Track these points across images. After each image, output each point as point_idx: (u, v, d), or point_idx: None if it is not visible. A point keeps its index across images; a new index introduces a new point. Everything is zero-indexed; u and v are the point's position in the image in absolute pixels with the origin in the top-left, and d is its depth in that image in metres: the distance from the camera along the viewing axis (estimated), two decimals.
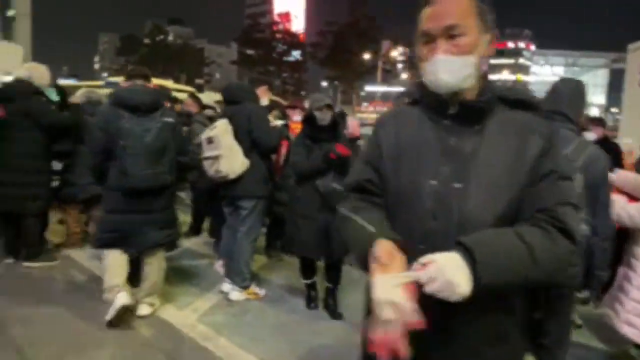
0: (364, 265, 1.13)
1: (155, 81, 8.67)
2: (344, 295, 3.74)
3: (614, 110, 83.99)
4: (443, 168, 1.18)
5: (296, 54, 52.02)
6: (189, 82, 31.67)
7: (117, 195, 3.19)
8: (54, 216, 5.07)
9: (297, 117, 5.03)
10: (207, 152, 3.64)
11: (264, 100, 3.99)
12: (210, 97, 8.18)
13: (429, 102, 1.26)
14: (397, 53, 48.46)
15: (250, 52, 51.08)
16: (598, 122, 5.55)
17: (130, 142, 3.05)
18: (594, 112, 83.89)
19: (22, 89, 4.17)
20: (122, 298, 3.22)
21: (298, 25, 65.30)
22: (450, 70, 1.16)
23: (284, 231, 5.21)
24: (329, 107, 3.53)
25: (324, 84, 57.73)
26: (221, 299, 3.83)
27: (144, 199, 3.19)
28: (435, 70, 1.17)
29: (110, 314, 3.16)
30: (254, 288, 3.91)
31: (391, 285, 1.01)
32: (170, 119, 3.27)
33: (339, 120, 3.67)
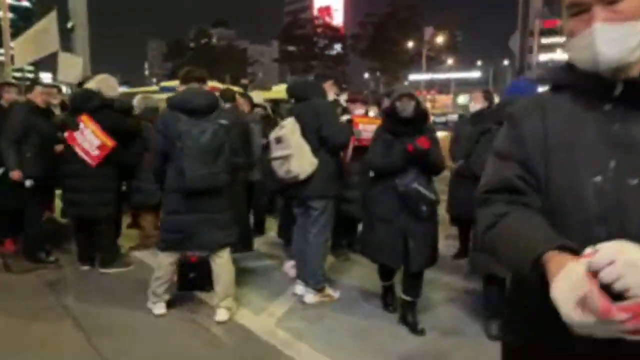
0: (530, 277, 0.91)
1: (210, 83, 8.78)
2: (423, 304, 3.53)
3: None
4: (610, 162, 0.97)
5: (337, 47, 51.71)
6: (233, 83, 32.22)
7: (176, 196, 3.25)
8: (124, 221, 5.20)
9: (358, 110, 4.84)
10: (277, 152, 3.54)
11: (331, 95, 3.84)
12: (257, 97, 8.20)
13: (583, 85, 1.04)
14: (441, 39, 47.08)
15: (291, 48, 51.35)
16: None
17: (187, 143, 3.10)
18: None
19: (91, 100, 4.24)
20: (159, 309, 3.45)
21: (338, 18, 64.90)
22: (612, 40, 0.95)
23: (350, 229, 5.12)
24: (411, 96, 3.20)
25: (366, 75, 57.13)
26: (295, 302, 3.73)
27: (202, 200, 3.21)
28: (592, 43, 0.96)
29: None
30: (328, 290, 3.78)
31: (575, 279, 0.78)
32: (224, 121, 3.25)
33: (425, 112, 3.34)
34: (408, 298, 3.32)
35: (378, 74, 50.32)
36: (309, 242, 3.68)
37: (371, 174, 3.38)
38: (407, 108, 3.18)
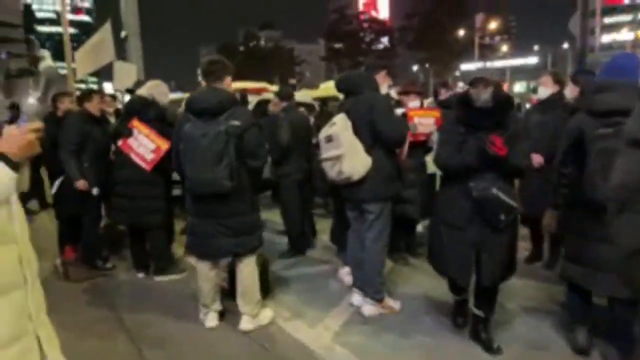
0: None
1: (234, 85, 8.71)
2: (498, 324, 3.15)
3: None
4: None
5: (385, 41, 50.79)
6: (282, 83, 32.42)
7: (189, 199, 3.19)
8: (178, 226, 5.15)
9: (413, 103, 4.49)
10: (327, 152, 3.28)
11: (384, 88, 3.52)
12: (305, 95, 8.02)
13: None
14: (494, 25, 45.02)
15: (338, 45, 51.06)
16: None
17: (188, 145, 3.00)
18: None
19: (146, 108, 4.20)
20: (210, 321, 3.30)
21: (384, 11, 63.80)
22: None
23: (408, 231, 4.78)
24: (487, 82, 2.77)
25: (415, 68, 55.70)
26: (353, 313, 3.46)
27: (211, 204, 3.07)
28: None
29: None
30: (389, 301, 3.48)
31: None
32: (237, 122, 2.97)
33: (507, 100, 2.81)
34: (480, 313, 2.94)
35: (427, 65, 48.88)
36: (365, 248, 3.39)
37: (436, 171, 3.03)
38: (482, 96, 2.72)
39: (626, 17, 73.92)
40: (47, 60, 27.58)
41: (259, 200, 3.43)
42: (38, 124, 1.37)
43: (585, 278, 2.67)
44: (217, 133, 2.90)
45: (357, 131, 3.24)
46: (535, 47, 66.16)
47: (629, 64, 2.60)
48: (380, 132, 3.20)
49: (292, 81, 44.61)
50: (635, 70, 2.58)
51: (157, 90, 4.33)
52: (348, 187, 3.32)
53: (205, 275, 3.28)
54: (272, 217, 5.77)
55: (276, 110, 4.93)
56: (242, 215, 3.13)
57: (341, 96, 3.64)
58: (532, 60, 65.55)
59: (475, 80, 2.83)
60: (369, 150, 3.23)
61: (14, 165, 1.29)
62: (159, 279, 4.29)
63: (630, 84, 2.48)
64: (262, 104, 6.75)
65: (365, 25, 50.70)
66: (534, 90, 30.19)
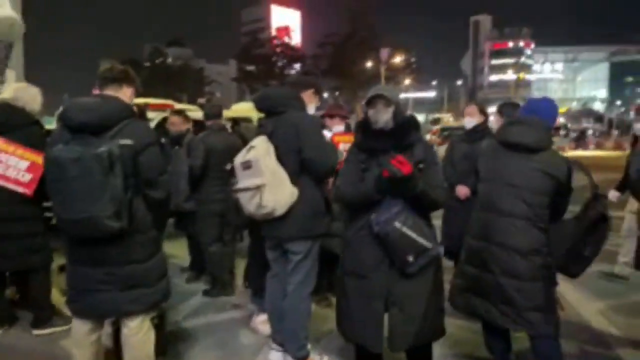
0: None
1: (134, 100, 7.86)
2: None
3: (618, 102, 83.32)
4: None
5: (297, 67, 51.52)
6: (190, 102, 31.01)
7: (65, 238, 2.34)
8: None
9: (337, 127, 4.11)
10: (245, 182, 2.72)
11: (311, 109, 3.06)
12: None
13: None
14: (399, 59, 48.04)
15: (250, 68, 50.76)
16: None
17: (51, 175, 2.19)
18: (597, 106, 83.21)
19: (10, 115, 3.31)
20: None
21: (296, 38, 65.08)
22: None
23: (330, 267, 4.31)
24: (387, 100, 2.36)
25: (326, 95, 57.22)
26: None
27: (95, 248, 2.27)
28: None
29: None
30: (313, 356, 2.95)
31: None
32: (128, 141, 2.23)
33: (411, 120, 2.44)
34: None
35: (337, 93, 50.39)
36: (288, 296, 2.86)
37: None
38: (381, 117, 2.35)
39: (510, 60, 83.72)
40: None
41: (162, 239, 2.73)
42: None
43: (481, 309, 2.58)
44: (94, 157, 2.08)
45: (280, 157, 2.74)
46: (434, 82, 71.83)
47: (540, 106, 2.73)
48: (308, 160, 2.73)
49: (201, 100, 43.03)
50: (545, 111, 2.68)
51: (26, 93, 3.45)
52: (269, 223, 2.78)
53: (81, 340, 2.44)
54: (173, 250, 4.99)
55: (177, 131, 4.32)
56: (137, 262, 2.34)
57: (256, 117, 3.13)
58: (431, 94, 70.95)
59: (372, 98, 2.39)
60: (294, 179, 2.74)
61: None
62: (38, 332, 3.38)
63: (537, 122, 2.61)
64: (166, 122, 5.98)
65: (278, 50, 51.04)
66: (435, 122, 32.34)
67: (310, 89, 3.05)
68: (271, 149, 2.73)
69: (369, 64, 47.05)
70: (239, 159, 2.78)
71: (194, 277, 4.65)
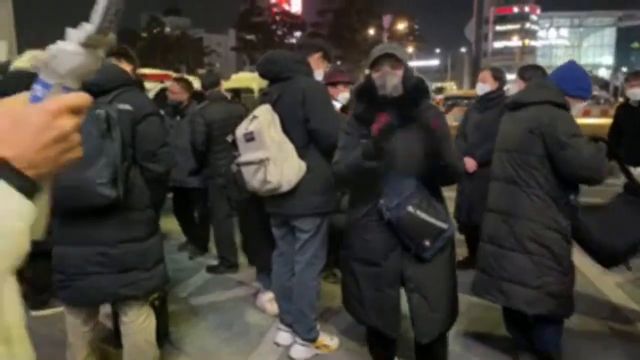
0: None
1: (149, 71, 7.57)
2: None
3: (624, 69, 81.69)
4: None
5: (297, 36, 50.39)
6: (189, 73, 30.47)
7: (57, 217, 2.11)
8: None
9: (343, 94, 3.81)
10: (247, 155, 2.51)
11: (319, 73, 2.80)
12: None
13: None
14: (402, 26, 46.91)
15: (249, 37, 49.70)
16: None
17: None
18: (602, 73, 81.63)
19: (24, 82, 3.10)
20: None
21: (296, 6, 63.47)
22: None
23: (337, 242, 4.12)
24: (395, 60, 2.01)
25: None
26: (280, 357, 2.74)
27: (85, 225, 2.08)
28: None
29: None
30: (323, 337, 2.82)
31: None
32: (127, 106, 2.09)
33: (419, 85, 2.07)
34: None
35: (339, 62, 49.46)
36: (295, 276, 2.69)
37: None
38: (389, 80, 1.97)
39: (515, 26, 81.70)
40: None
41: (159, 217, 2.55)
42: (84, 98, 0.61)
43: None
44: (91, 117, 1.89)
45: (286, 128, 2.52)
46: (437, 50, 70.42)
47: (560, 74, 2.48)
48: (315, 131, 2.51)
49: (201, 71, 42.33)
50: (565, 81, 2.40)
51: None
52: (274, 199, 2.59)
53: (76, 330, 2.28)
54: (172, 226, 4.82)
55: (175, 99, 4.07)
56: (133, 241, 2.15)
57: (257, 87, 2.89)
58: (434, 62, 69.68)
59: (378, 59, 2.04)
60: (302, 152, 2.52)
61: (30, 188, 0.57)
62: (36, 314, 3.26)
63: (550, 86, 2.40)
64: (165, 94, 5.73)
65: (277, 18, 49.79)
66: (438, 91, 31.75)
67: (317, 52, 2.78)
68: (276, 118, 2.51)
69: (371, 32, 45.99)
70: (240, 130, 2.56)
71: (197, 252, 4.50)
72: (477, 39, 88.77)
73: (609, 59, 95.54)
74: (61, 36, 0.63)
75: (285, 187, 2.48)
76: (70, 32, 0.62)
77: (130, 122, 2.09)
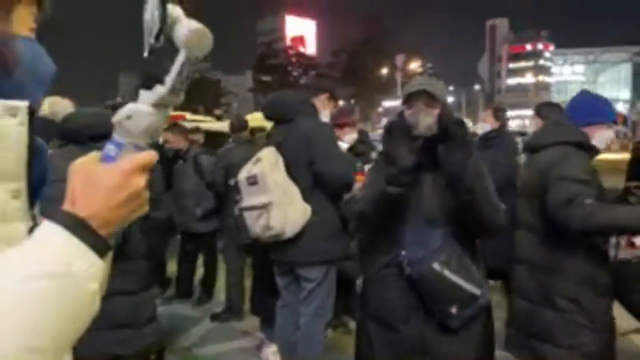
0: None
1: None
2: None
3: None
4: None
5: (313, 76, 51.58)
6: (207, 113, 31.11)
7: None
8: None
9: (349, 136, 3.63)
10: (250, 199, 2.40)
11: (325, 115, 2.72)
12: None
13: None
14: (415, 65, 47.71)
15: (265, 78, 51.01)
16: None
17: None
18: (620, 107, 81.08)
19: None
20: None
21: (311, 48, 65.37)
22: None
23: (346, 289, 3.92)
24: (431, 98, 1.77)
25: (341, 103, 57.02)
26: None
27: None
28: None
29: None
30: None
31: None
32: None
33: (458, 123, 1.73)
34: None
35: (352, 101, 50.17)
36: (300, 328, 2.51)
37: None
38: (423, 119, 1.71)
39: (528, 63, 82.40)
40: None
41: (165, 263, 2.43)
42: (153, 155, 0.64)
43: None
44: None
45: (290, 171, 2.41)
46: (451, 88, 71.04)
47: (572, 104, 2.32)
48: (321, 174, 2.39)
49: (218, 112, 43.29)
50: (577, 110, 2.23)
51: (60, 107, 3.25)
52: (278, 246, 2.44)
53: None
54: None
55: (173, 148, 4.04)
56: (123, 294, 1.98)
57: (269, 128, 2.82)
58: (449, 99, 70.20)
59: (412, 94, 1.81)
60: (306, 196, 2.40)
61: (102, 247, 0.57)
62: None
63: (563, 123, 2.24)
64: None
65: (293, 59, 51.16)
66: None
67: (324, 93, 2.70)
68: (280, 161, 2.41)
69: (384, 71, 46.78)
70: (243, 173, 2.46)
71: (203, 299, 4.33)
72: (491, 76, 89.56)
73: (626, 93, 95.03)
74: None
75: (289, 232, 2.34)
76: (143, 93, 0.65)
77: None
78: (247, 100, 73.53)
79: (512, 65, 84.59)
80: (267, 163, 2.36)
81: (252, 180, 2.38)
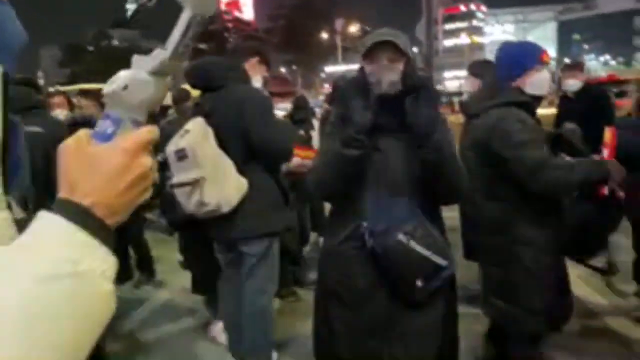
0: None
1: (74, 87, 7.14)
2: None
3: (566, 60, 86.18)
4: None
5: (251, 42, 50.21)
6: None
7: None
8: None
9: (284, 105, 3.37)
10: (181, 175, 2.24)
11: (257, 80, 2.55)
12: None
13: None
14: (355, 29, 47.50)
15: (202, 46, 48.99)
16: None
17: None
18: None
19: None
20: None
21: (248, 13, 63.14)
22: None
23: (295, 260, 3.89)
24: (394, 50, 1.61)
25: (282, 69, 56.04)
26: None
27: None
28: None
29: None
30: None
31: None
32: (37, 128, 2.02)
33: (424, 80, 1.60)
34: None
35: (294, 67, 49.40)
36: (245, 304, 2.43)
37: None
38: (386, 74, 1.57)
39: (463, 24, 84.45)
40: None
41: None
42: (155, 131, 0.56)
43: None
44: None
45: (222, 142, 2.26)
46: (415, 49, 71.97)
47: (497, 58, 2.24)
48: (258, 144, 2.26)
49: None
50: (500, 62, 2.19)
51: None
52: (216, 222, 2.32)
53: None
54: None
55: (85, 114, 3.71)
56: None
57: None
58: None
59: (374, 46, 1.63)
60: (241, 168, 2.27)
61: (111, 240, 0.50)
62: None
63: (489, 82, 2.30)
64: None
65: (230, 25, 49.28)
66: None
67: (253, 56, 2.54)
68: (210, 133, 2.25)
69: (324, 36, 46.28)
70: (171, 147, 2.28)
71: (143, 280, 4.14)
72: (428, 38, 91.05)
73: (552, 52, 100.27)
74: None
75: (225, 207, 2.22)
76: (138, 59, 0.57)
77: (42, 146, 1.84)
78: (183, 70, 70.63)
79: (447, 27, 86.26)
80: (196, 135, 2.20)
81: (181, 154, 2.21)
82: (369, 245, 1.57)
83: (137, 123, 0.55)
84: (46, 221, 0.47)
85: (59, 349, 0.44)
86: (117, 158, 0.51)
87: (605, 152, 2.05)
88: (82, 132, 0.54)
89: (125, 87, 0.54)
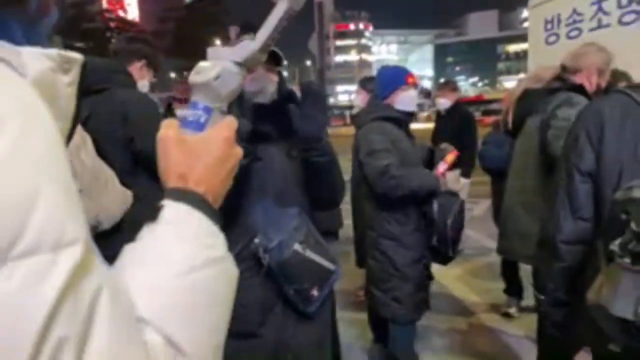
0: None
1: None
2: None
3: (441, 80, 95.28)
4: None
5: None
6: None
7: None
8: None
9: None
10: None
11: (144, 85, 2.36)
12: None
13: None
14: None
15: (79, 44, 44.95)
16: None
17: None
18: (426, 83, 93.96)
19: None
20: None
21: (133, 13, 59.49)
22: None
23: None
24: (271, 64, 1.59)
25: (172, 75, 53.66)
26: None
27: None
28: None
29: None
30: None
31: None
32: None
33: (318, 86, 1.70)
34: None
35: (185, 73, 47.72)
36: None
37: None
38: (268, 85, 1.59)
39: (352, 42, 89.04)
40: None
41: None
42: (236, 122, 0.59)
43: None
44: None
45: (102, 151, 2.05)
46: (285, 63, 72.97)
47: (377, 82, 2.63)
48: (145, 152, 2.10)
49: None
50: (378, 86, 2.57)
51: None
52: (98, 239, 2.09)
53: None
54: None
55: None
56: None
57: None
58: (284, 74, 72.06)
59: (250, 55, 1.43)
60: (126, 179, 2.09)
61: (221, 224, 0.56)
62: None
63: (373, 101, 2.63)
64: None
65: (112, 24, 45.86)
66: None
67: (140, 60, 2.37)
68: (88, 140, 2.02)
69: (217, 42, 45.44)
70: None
71: None
72: (320, 53, 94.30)
73: (430, 72, 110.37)
74: None
75: (107, 223, 2.01)
76: (224, 50, 0.58)
77: None
78: None
79: (338, 43, 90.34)
80: (71, 143, 1.97)
81: None
82: (265, 262, 1.46)
83: (223, 112, 0.57)
84: (177, 210, 0.51)
85: (218, 331, 0.47)
86: (221, 147, 0.55)
87: (442, 167, 2.41)
88: (168, 121, 0.57)
89: (217, 77, 0.56)
